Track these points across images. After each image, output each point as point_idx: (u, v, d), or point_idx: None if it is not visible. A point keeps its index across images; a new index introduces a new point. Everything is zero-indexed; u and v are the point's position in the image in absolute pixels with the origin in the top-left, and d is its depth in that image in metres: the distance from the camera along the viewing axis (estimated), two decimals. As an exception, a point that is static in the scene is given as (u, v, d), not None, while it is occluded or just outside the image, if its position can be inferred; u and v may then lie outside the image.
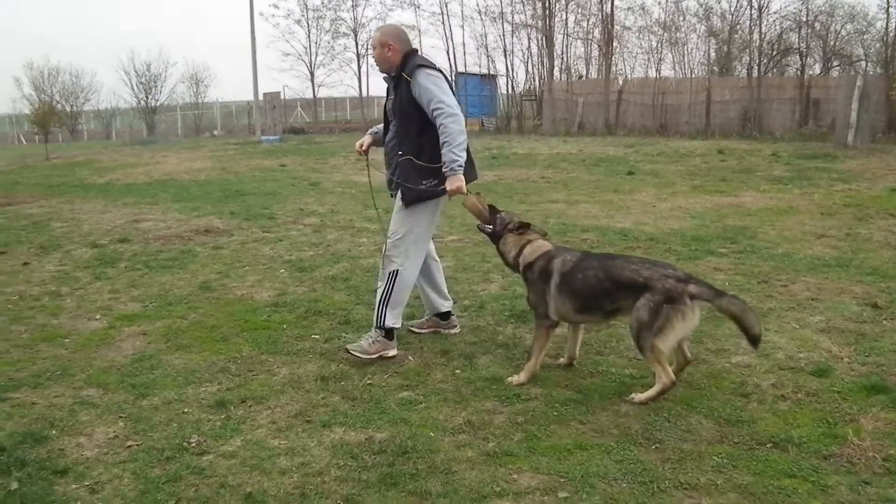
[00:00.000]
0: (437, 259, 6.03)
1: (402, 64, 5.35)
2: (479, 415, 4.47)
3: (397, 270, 5.42)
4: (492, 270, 7.75)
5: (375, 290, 5.61)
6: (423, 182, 5.32)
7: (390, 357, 5.42)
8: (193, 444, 4.22)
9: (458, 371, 5.18)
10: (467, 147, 5.29)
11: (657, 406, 4.46)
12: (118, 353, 5.79)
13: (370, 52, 5.10)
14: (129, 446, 4.24)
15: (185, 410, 4.69)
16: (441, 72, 5.36)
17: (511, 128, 32.87)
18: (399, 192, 5.46)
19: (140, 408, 4.76)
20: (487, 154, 20.79)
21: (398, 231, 5.47)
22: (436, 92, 5.16)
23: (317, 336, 5.97)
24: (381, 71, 5.54)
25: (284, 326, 6.21)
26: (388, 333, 5.45)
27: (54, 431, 4.46)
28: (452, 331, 5.99)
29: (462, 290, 7.10)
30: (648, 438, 4.10)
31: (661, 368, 4.51)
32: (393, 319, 5.44)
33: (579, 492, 3.60)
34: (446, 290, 6.03)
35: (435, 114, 5.14)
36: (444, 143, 5.11)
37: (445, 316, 5.99)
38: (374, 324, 5.45)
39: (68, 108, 54.13)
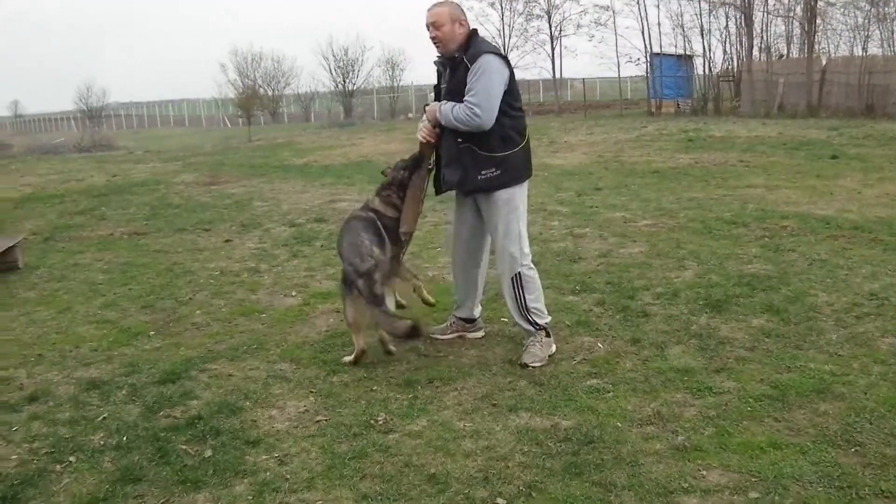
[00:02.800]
0: (486, 260, 5.64)
1: (466, 45, 5.02)
2: (668, 406, 4.36)
3: (518, 273, 5.17)
4: (686, 257, 7.55)
5: (504, 299, 5.41)
6: (483, 172, 5.04)
7: (553, 352, 5.24)
8: (380, 422, 4.33)
9: (648, 361, 5.07)
10: (527, 146, 5.19)
11: (859, 407, 4.20)
12: (312, 329, 6.00)
13: (429, 30, 5.01)
14: (319, 421, 4.40)
15: (374, 388, 4.81)
16: (506, 60, 5.07)
17: (707, 109, 31.93)
18: (454, 181, 5.21)
19: (331, 384, 4.93)
20: (683, 136, 20.27)
21: (497, 238, 5.20)
22: (485, 84, 4.84)
23: (505, 319, 5.97)
24: (444, 52, 5.07)
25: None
26: (546, 331, 5.27)
27: (248, 403, 4.69)
28: (478, 334, 5.75)
29: (655, 276, 6.95)
30: (848, 440, 3.87)
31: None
32: (540, 316, 5.24)
33: (771, 493, 3.44)
34: (481, 295, 5.75)
35: (467, 96, 4.87)
36: (455, 112, 4.90)
37: (471, 320, 5.73)
38: (530, 326, 5.23)
39: (270, 93, 56.40)
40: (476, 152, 5.02)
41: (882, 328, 5.42)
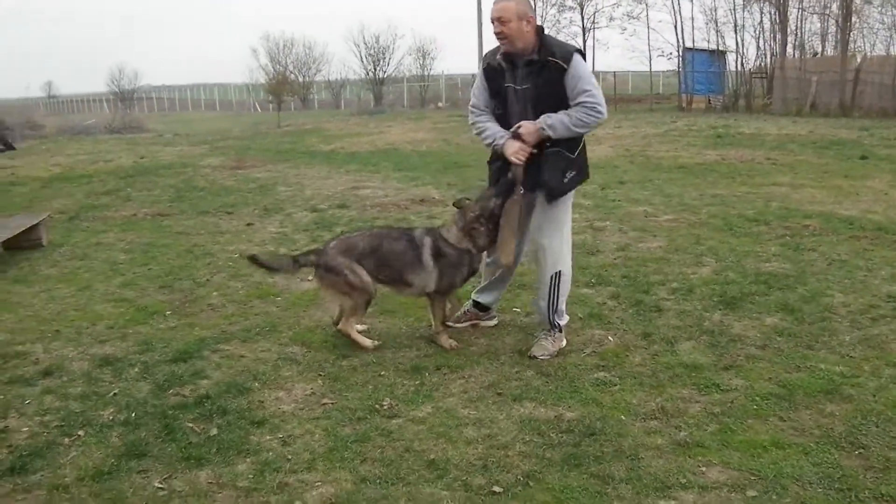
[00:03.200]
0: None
1: (539, 45, 4.87)
2: (673, 402, 4.35)
3: (560, 272, 5.17)
4: (705, 253, 7.52)
5: (538, 290, 5.35)
6: (568, 174, 5.02)
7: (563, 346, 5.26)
8: (385, 407, 4.37)
9: (657, 355, 5.06)
10: (584, 151, 5.14)
11: (866, 409, 4.18)
12: (325, 313, 6.03)
13: (494, 24, 4.81)
14: (324, 404, 4.45)
15: (382, 373, 4.86)
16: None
17: (739, 106, 31.70)
18: (542, 187, 5.08)
19: (339, 367, 4.99)
20: (712, 133, 20.14)
21: (552, 234, 5.14)
22: (589, 78, 4.83)
23: (517, 309, 6.00)
24: (510, 48, 4.88)
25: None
26: (561, 327, 5.29)
27: (257, 384, 4.75)
28: (491, 322, 5.76)
29: (672, 271, 6.93)
30: (852, 443, 3.84)
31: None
32: (562, 317, 5.27)
33: (769, 492, 3.44)
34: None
35: (581, 98, 4.78)
36: (573, 119, 4.79)
37: (485, 308, 5.75)
38: (549, 325, 5.23)
39: (301, 79, 56.57)
40: (564, 155, 4.99)
41: (897, 331, 5.38)
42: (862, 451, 3.78)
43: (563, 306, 5.27)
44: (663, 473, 3.60)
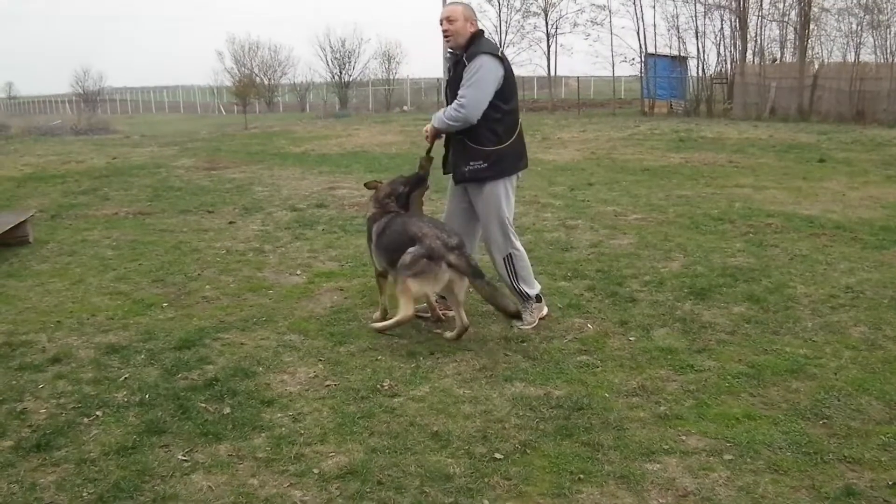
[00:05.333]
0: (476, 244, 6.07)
1: (468, 44, 5.50)
2: (652, 381, 4.71)
3: (509, 254, 5.73)
4: (674, 249, 7.90)
5: (501, 279, 5.90)
6: (472, 163, 5.55)
7: (545, 315, 5.86)
8: (386, 388, 4.67)
9: (634, 341, 5.42)
10: (520, 138, 5.69)
11: (828, 386, 4.57)
12: (317, 305, 6.32)
13: (442, 24, 5.55)
14: (328, 385, 4.73)
15: (379, 358, 5.15)
16: (503, 60, 5.53)
17: (700, 111, 32.28)
18: (451, 169, 5.83)
19: (338, 353, 5.27)
20: (675, 136, 20.63)
21: (489, 226, 5.73)
22: (474, 80, 5.36)
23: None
24: (452, 47, 5.60)
25: (471, 290, 6.56)
26: (537, 298, 5.81)
27: (261, 368, 5.02)
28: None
29: (643, 265, 7.30)
30: (817, 414, 4.22)
31: (405, 303, 5.35)
32: (530, 287, 5.80)
33: (744, 456, 3.80)
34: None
35: (459, 93, 5.43)
36: (447, 112, 5.48)
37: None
38: (522, 300, 5.75)
39: (266, 82, 56.46)
40: (467, 144, 5.57)
41: (855, 318, 5.78)
42: (826, 421, 4.16)
43: (526, 277, 5.80)
44: (647, 441, 3.95)
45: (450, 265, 5.25)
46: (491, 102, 5.40)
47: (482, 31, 5.65)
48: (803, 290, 6.44)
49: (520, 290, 5.76)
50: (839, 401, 4.38)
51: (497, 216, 5.66)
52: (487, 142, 5.50)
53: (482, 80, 5.37)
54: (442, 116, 5.53)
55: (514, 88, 5.66)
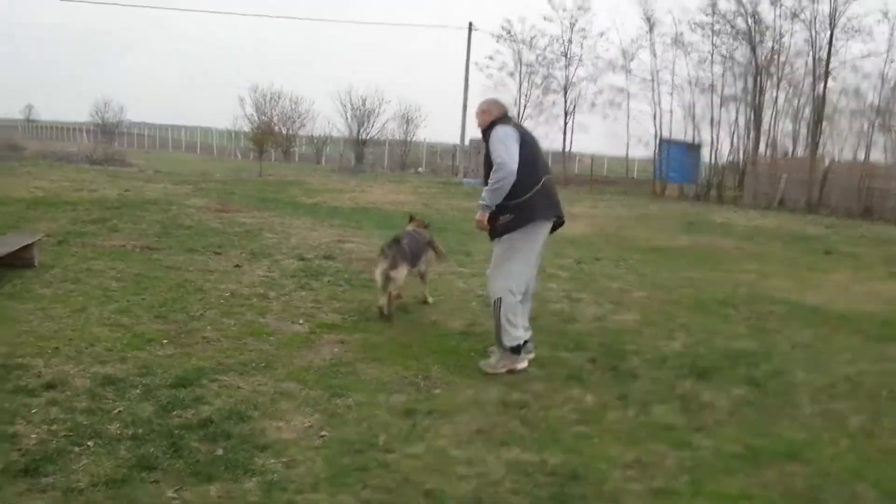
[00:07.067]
0: (532, 286, 6.58)
1: (490, 125, 6.28)
2: (649, 455, 4.68)
3: (500, 298, 6.19)
4: (676, 329, 7.89)
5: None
6: (502, 217, 6.17)
7: (521, 369, 6.18)
8: (381, 443, 4.64)
9: (633, 415, 5.39)
10: (551, 189, 6.39)
11: (824, 471, 4.56)
12: (317, 355, 6.31)
13: (477, 115, 6.70)
14: (323, 436, 4.71)
15: (376, 413, 5.12)
16: (517, 126, 6.31)
17: (710, 196, 32.46)
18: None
19: (334, 405, 5.24)
20: (684, 220, 20.70)
21: (493, 265, 6.40)
22: (496, 145, 6.09)
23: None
24: (481, 127, 6.47)
25: (472, 354, 6.58)
26: (514, 349, 6.18)
27: (257, 413, 4.99)
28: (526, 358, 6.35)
29: (645, 342, 7.29)
30: (812, 499, 4.21)
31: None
32: (510, 340, 6.15)
33: (737, 537, 3.76)
34: (527, 321, 6.47)
35: (492, 158, 6.11)
36: (490, 182, 6.12)
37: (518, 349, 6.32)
38: (497, 343, 6.25)
39: (284, 131, 56.76)
40: (502, 204, 6.16)
41: (854, 407, 5.76)
42: (821, 506, 4.12)
43: (510, 329, 6.16)
44: (642, 514, 3.91)
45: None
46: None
47: (504, 115, 6.41)
48: (803, 377, 6.42)
49: (499, 335, 6.23)
50: (835, 487, 4.36)
51: (506, 262, 6.30)
52: (514, 199, 6.13)
53: (502, 140, 6.09)
54: (485, 193, 6.13)
55: (529, 153, 6.20)
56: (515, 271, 6.23)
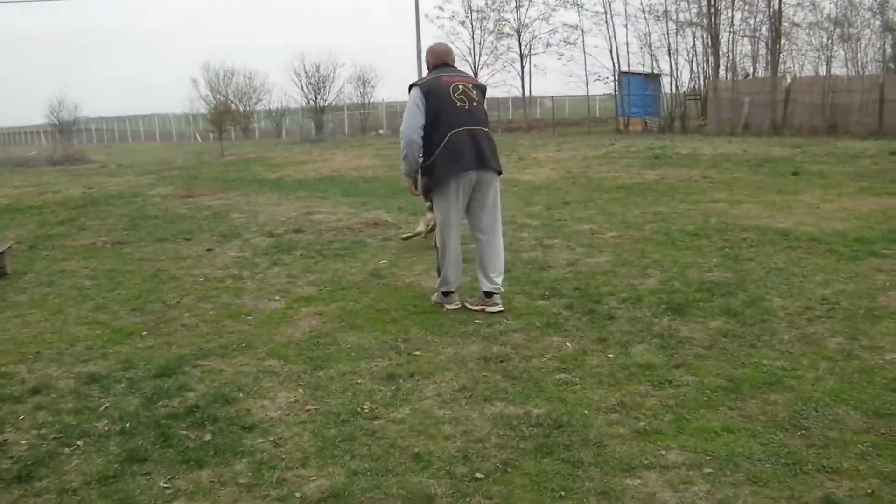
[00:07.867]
0: (487, 238, 6.69)
1: None
2: (631, 397, 4.73)
3: (437, 248, 6.84)
4: (650, 266, 7.97)
5: None
6: (421, 180, 6.64)
7: (453, 309, 6.67)
8: (366, 411, 4.67)
9: (613, 357, 5.44)
10: (461, 144, 6.34)
11: (806, 397, 4.60)
12: (296, 330, 6.33)
13: None
14: (308, 410, 4.73)
15: (359, 381, 5.15)
16: (427, 83, 6.47)
17: (675, 127, 32.59)
18: None
19: (317, 378, 5.27)
20: (650, 154, 20.78)
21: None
22: (404, 113, 6.55)
23: (479, 321, 6.34)
24: None
25: (450, 312, 6.63)
26: (444, 294, 6.78)
27: (241, 394, 5.01)
28: (493, 308, 6.56)
29: (620, 283, 7.35)
30: (795, 425, 4.26)
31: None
32: (441, 284, 6.79)
33: (723, 468, 3.82)
34: (492, 272, 6.64)
35: None
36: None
37: (488, 295, 6.62)
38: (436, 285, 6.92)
39: (242, 108, 56.31)
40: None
41: (831, 329, 5.84)
42: (804, 432, 4.19)
43: (445, 271, 6.71)
44: (627, 457, 3.96)
45: None
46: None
47: (443, 64, 6.68)
48: (779, 303, 6.50)
49: (439, 276, 6.86)
50: (817, 411, 4.42)
51: (440, 214, 6.71)
52: (425, 161, 6.52)
53: (407, 107, 6.49)
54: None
55: (436, 111, 6.37)
56: (445, 227, 6.64)
